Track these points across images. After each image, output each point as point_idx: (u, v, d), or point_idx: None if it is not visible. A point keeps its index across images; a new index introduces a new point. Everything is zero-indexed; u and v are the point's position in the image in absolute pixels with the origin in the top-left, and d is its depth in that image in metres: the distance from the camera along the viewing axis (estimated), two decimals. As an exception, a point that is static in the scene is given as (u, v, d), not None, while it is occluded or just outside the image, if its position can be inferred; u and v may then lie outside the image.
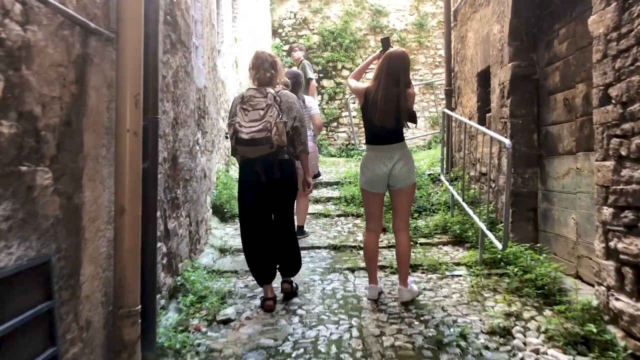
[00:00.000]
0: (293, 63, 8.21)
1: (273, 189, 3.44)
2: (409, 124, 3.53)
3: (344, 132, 11.69)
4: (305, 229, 5.38)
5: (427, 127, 11.66)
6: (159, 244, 2.90)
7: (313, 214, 6.17)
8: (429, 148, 11.49)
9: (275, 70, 3.54)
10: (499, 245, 3.79)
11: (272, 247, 3.55)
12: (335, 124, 11.71)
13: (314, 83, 6.85)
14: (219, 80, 6.30)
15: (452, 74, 7.20)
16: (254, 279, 3.66)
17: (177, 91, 3.41)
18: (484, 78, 5.61)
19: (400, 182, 3.48)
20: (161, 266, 3.01)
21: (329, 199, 6.84)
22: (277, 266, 3.65)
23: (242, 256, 3.82)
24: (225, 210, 5.76)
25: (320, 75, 11.60)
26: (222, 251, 4.70)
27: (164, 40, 3.08)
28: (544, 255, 3.82)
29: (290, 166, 3.51)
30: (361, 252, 4.71)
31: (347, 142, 11.59)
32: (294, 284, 3.73)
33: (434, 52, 11.67)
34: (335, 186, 7.45)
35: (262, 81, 3.50)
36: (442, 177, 6.47)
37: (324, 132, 11.68)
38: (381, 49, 3.59)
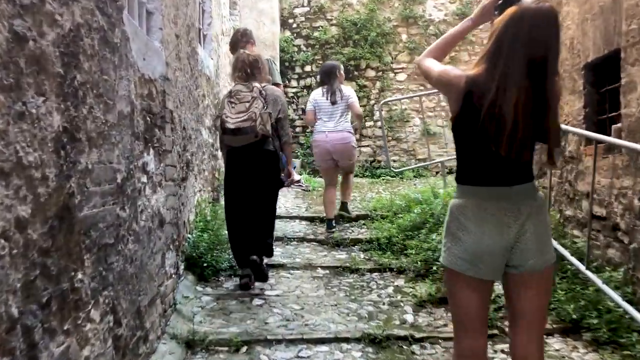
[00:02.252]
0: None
1: (256, 177, 3.90)
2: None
3: (367, 146, 10.04)
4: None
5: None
6: None
7: (334, 267, 4.50)
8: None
9: (256, 68, 3.98)
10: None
11: (251, 232, 3.96)
12: (357, 136, 10.04)
13: (281, 89, 5.57)
14: (201, 75, 4.69)
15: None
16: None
17: (75, 75, 1.78)
18: (599, 71, 3.93)
19: (531, 259, 1.83)
20: None
21: (355, 242, 5.17)
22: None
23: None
24: (204, 264, 4.11)
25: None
26: (190, 346, 3.03)
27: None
28: None
29: (273, 157, 4.00)
30: (418, 348, 3.04)
31: (372, 159, 9.94)
32: (263, 264, 4.08)
33: (480, 48, 10.00)
34: (363, 222, 5.77)
35: (241, 79, 3.94)
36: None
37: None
38: (499, 2, 1.94)
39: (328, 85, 5.45)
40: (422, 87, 9.89)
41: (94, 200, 1.96)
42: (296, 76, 10.15)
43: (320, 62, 10.04)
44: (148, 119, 2.70)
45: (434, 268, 4.15)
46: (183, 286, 3.78)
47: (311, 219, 5.93)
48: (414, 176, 9.03)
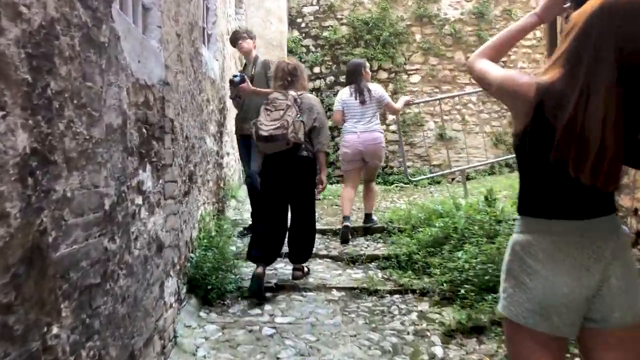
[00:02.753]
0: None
1: (291, 183, 4.01)
2: None
3: (380, 151, 9.66)
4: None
5: (487, 146, 9.59)
6: None
7: (351, 289, 4.14)
8: (491, 173, 9.43)
9: (294, 77, 4.14)
10: None
11: (281, 236, 4.14)
12: (369, 140, 9.68)
13: None
14: (205, 78, 4.36)
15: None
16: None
17: (47, 82, 1.45)
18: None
19: (617, 311, 1.47)
20: None
21: (371, 258, 4.81)
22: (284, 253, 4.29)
23: None
24: (209, 286, 3.77)
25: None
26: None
27: None
28: None
29: (308, 163, 4.07)
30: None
31: (385, 165, 9.56)
32: (305, 269, 4.31)
33: (498, 48, 9.61)
34: (378, 235, 5.42)
35: (282, 87, 4.10)
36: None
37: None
38: None
39: (355, 84, 5.33)
40: (437, 90, 9.54)
41: (75, 235, 1.62)
42: (305, 78, 9.78)
43: (330, 63, 9.71)
44: (144, 130, 2.37)
45: (462, 291, 3.80)
46: (185, 312, 3.44)
47: (323, 232, 5.57)
48: (429, 183, 8.66)
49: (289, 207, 4.15)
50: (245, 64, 5.41)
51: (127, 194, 2.11)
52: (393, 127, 9.62)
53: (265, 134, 3.84)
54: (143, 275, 2.33)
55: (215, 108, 4.92)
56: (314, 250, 4.86)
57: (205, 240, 4.16)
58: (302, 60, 9.69)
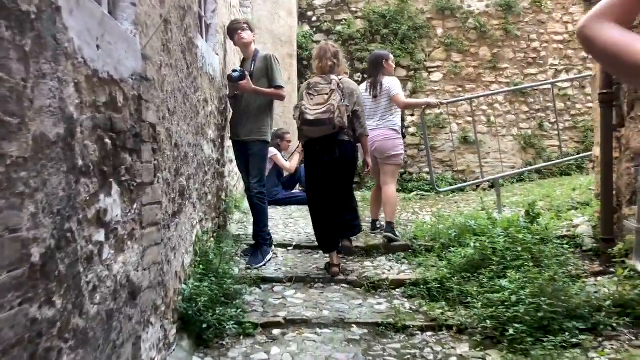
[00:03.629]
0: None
1: (334, 166, 4.21)
2: None
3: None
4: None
5: (515, 149, 8.95)
6: None
7: (374, 324, 3.54)
8: (520, 180, 8.78)
9: (337, 60, 4.28)
10: None
11: (335, 218, 4.36)
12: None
13: (284, 92, 4.71)
14: (202, 75, 3.78)
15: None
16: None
17: None
18: None
19: None
20: None
21: (396, 284, 4.19)
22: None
23: None
24: (204, 324, 3.19)
25: (365, 75, 9.01)
26: None
27: None
28: None
29: (349, 147, 4.26)
30: None
31: (403, 171, 8.95)
32: (352, 245, 4.69)
33: (527, 44, 8.98)
34: (402, 254, 4.80)
35: (325, 69, 4.22)
36: None
37: (370, 155, 9.04)
38: None
39: (372, 77, 5.12)
40: (459, 89, 8.92)
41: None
42: (316, 76, 9.20)
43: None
44: (108, 140, 1.79)
45: (510, 331, 3.19)
46: (174, 359, 2.86)
47: (339, 250, 4.98)
48: (452, 191, 8.04)
49: (333, 188, 4.31)
50: (244, 59, 4.82)
51: (77, 232, 1.53)
52: (411, 130, 9.01)
53: (311, 117, 4.00)
54: (105, 338, 1.74)
55: (215, 109, 4.35)
56: (330, 276, 4.31)
57: (201, 267, 3.59)
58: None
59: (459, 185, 5.78)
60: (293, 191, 7.23)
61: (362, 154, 4.59)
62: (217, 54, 4.47)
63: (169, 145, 2.74)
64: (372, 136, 4.80)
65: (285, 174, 7.13)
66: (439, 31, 8.98)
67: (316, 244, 5.17)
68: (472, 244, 4.30)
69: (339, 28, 9.03)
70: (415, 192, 8.20)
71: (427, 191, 8.37)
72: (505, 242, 4.19)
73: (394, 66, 5.42)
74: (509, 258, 3.99)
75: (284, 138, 6.96)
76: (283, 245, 5.02)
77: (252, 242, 4.77)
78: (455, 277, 4.00)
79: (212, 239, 4.38)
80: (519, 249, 4.05)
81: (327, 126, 4.01)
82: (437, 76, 8.99)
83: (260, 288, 4.14)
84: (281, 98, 4.61)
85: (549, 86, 8.38)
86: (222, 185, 4.87)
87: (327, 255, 4.38)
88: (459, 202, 7.08)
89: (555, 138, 8.66)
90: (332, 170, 4.22)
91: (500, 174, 6.39)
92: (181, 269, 3.15)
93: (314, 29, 9.15)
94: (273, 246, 4.81)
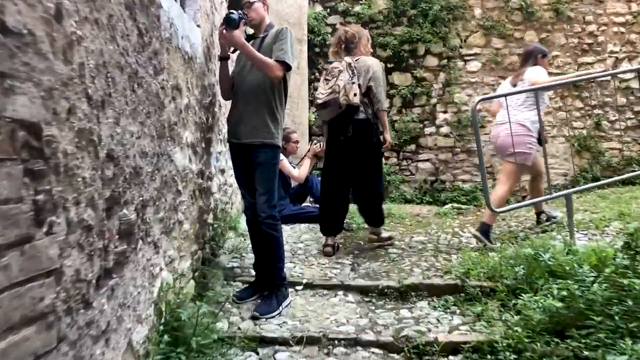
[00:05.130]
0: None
1: (351, 146, 4.31)
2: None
3: (427, 160, 7.92)
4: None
5: (567, 152, 7.77)
6: None
7: None
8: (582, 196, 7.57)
9: (351, 44, 4.42)
10: None
11: (344, 204, 4.54)
12: (412, 146, 7.93)
13: (281, 71, 3.41)
14: (172, 51, 2.65)
15: None
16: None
17: None
18: None
19: None
20: None
21: (448, 349, 3.03)
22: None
23: None
24: None
25: (389, 65, 7.91)
26: None
27: None
28: None
29: (366, 125, 4.30)
30: None
31: (434, 179, 7.82)
32: (381, 233, 4.70)
33: (581, 27, 7.82)
34: (452, 298, 3.65)
35: (339, 54, 4.45)
36: None
37: (394, 160, 7.94)
38: None
39: (520, 68, 5.06)
40: (500, 80, 7.76)
41: None
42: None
43: None
44: None
45: None
46: None
47: (364, 291, 3.84)
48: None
49: (353, 170, 4.41)
50: (253, 34, 3.67)
51: None
52: (444, 130, 7.87)
53: (320, 101, 4.27)
54: None
55: (194, 102, 3.22)
56: (355, 335, 3.16)
57: (166, 337, 2.47)
58: (327, 42, 8.02)
59: (523, 204, 4.60)
60: (303, 205, 6.10)
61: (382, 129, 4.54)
62: (198, 26, 3.35)
63: (92, 160, 1.62)
64: (498, 131, 4.81)
65: (294, 183, 6.00)
66: (477, 12, 7.85)
67: (336, 279, 4.07)
68: (555, 291, 3.17)
69: (357, 8, 7.92)
70: (450, 205, 7.06)
71: (464, 203, 7.24)
72: (604, 290, 3.05)
73: (547, 66, 5.15)
74: (616, 317, 2.85)
75: (289, 139, 5.84)
76: (290, 284, 3.88)
77: (252, 278, 3.68)
78: (538, 342, 2.86)
79: (192, 281, 3.27)
80: (629, 302, 2.90)
81: (333, 107, 4.19)
82: (474, 66, 7.86)
83: (258, 353, 3.01)
84: (274, 74, 3.30)
85: (608, 77, 7.33)
86: (208, 205, 3.76)
87: (327, 238, 4.54)
88: (507, 218, 5.93)
89: (615, 139, 7.55)
90: (350, 150, 4.33)
91: (574, 186, 5.21)
92: (128, 352, 2.03)
93: (328, 10, 8.03)
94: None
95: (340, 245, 4.76)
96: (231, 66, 3.61)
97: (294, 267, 4.34)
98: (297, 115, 7.10)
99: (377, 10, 7.90)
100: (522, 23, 7.81)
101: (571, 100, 7.81)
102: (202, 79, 3.42)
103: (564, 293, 3.09)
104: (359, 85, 4.17)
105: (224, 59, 3.47)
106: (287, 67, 3.34)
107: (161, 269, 2.55)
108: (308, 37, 7.49)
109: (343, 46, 4.41)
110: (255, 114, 3.42)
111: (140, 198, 2.17)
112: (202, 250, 3.64)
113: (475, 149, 7.83)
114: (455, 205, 7.05)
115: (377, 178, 4.53)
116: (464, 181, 7.69)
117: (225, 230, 4.36)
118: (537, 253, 3.75)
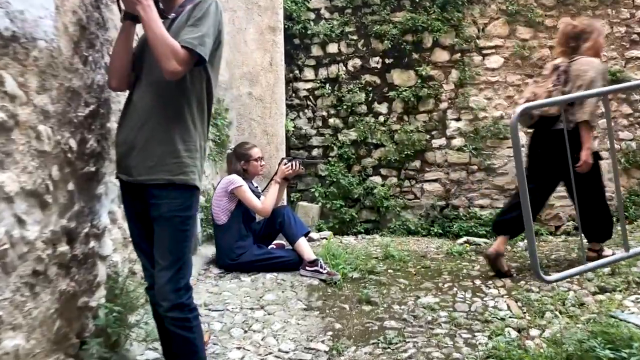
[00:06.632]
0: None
1: (551, 160, 3.98)
2: None
3: (435, 180, 6.65)
4: None
5: (611, 171, 6.44)
6: None
7: None
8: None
9: (578, 41, 4.09)
10: None
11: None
12: (417, 163, 6.66)
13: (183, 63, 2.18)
14: None
15: None
16: None
17: None
18: None
19: None
20: None
21: None
22: None
23: None
24: None
25: (387, 60, 6.64)
26: None
27: None
28: None
29: (560, 137, 3.44)
30: None
31: (444, 204, 6.54)
32: (600, 249, 4.25)
33: (630, 13, 6.56)
34: None
35: (564, 55, 4.15)
36: None
37: (393, 180, 6.66)
38: None
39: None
40: (527, 80, 6.49)
41: None
42: (312, 62, 6.89)
43: (354, 37, 6.83)
44: None
45: None
46: None
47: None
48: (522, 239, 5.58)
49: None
50: (162, 12, 2.33)
51: None
52: (457, 142, 6.59)
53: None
54: None
55: (37, 116, 1.87)
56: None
57: None
58: (309, 32, 6.77)
59: (578, 269, 3.21)
60: (271, 246, 4.78)
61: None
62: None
63: None
64: None
65: (260, 217, 4.68)
66: (497, -6, 6.62)
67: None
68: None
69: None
70: (464, 239, 5.75)
71: (482, 236, 5.95)
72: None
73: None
74: None
75: (249, 157, 4.52)
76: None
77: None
78: None
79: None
80: None
81: (524, 117, 4.00)
82: (495, 61, 6.59)
83: None
84: (170, 67, 2.01)
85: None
86: (92, 280, 2.41)
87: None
88: (548, 261, 4.61)
89: (672, 154, 6.35)
90: (551, 165, 4.03)
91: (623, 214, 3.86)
92: None
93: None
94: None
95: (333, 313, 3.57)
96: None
97: (242, 358, 3.02)
98: (269, 123, 5.82)
99: (372, -8, 6.66)
100: (554, 7, 6.56)
101: (617, 105, 6.57)
102: (64, 79, 2.07)
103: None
104: (563, 93, 3.96)
105: (129, 18, 2.20)
106: (197, 59, 2.05)
107: None
108: (285, 24, 6.26)
109: (571, 44, 4.11)
110: (158, 133, 2.13)
111: None
112: (83, 351, 2.30)
113: (497, 165, 6.54)
114: (471, 239, 5.75)
115: (593, 191, 4.12)
116: (482, 207, 6.42)
117: (136, 305, 3.00)
118: (598, 342, 2.47)
